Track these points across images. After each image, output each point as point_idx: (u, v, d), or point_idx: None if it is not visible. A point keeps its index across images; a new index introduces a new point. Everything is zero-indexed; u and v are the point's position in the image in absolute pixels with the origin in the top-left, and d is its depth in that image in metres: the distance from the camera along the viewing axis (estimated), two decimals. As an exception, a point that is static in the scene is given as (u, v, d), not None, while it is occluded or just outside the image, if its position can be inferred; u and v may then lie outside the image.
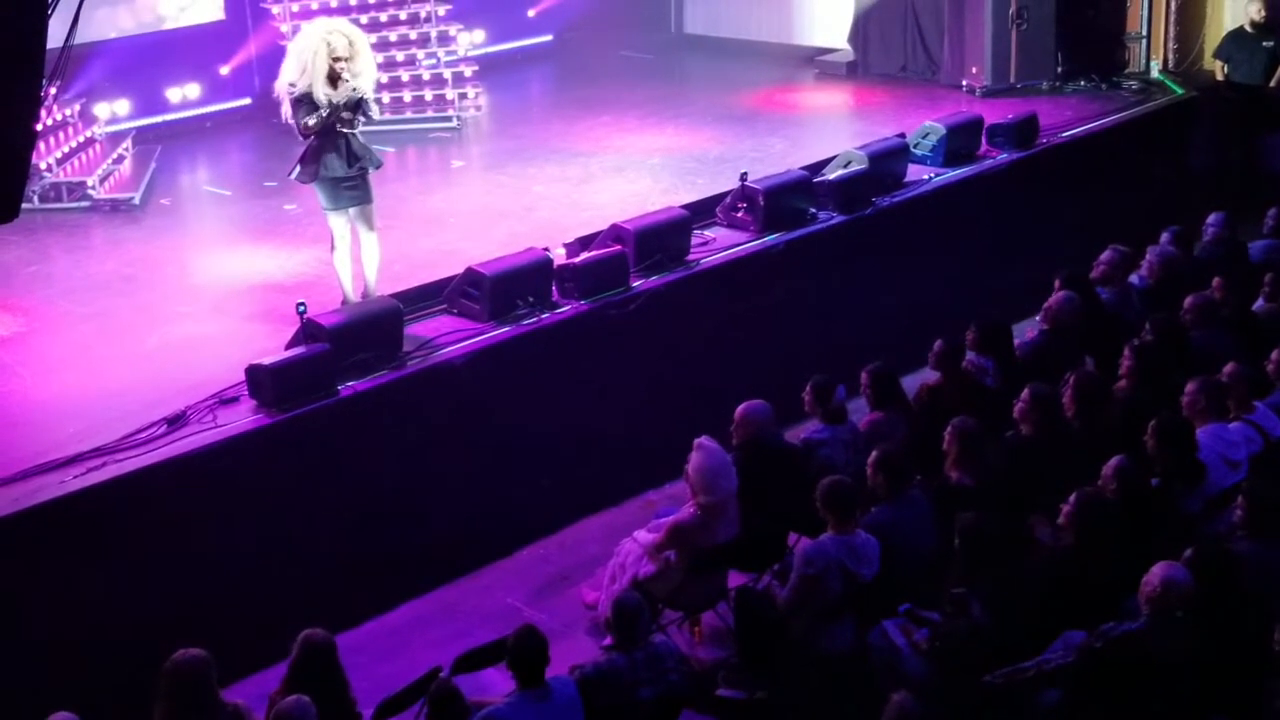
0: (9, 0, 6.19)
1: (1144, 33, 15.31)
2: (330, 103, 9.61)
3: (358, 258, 10.08)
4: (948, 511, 7.34)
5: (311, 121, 9.62)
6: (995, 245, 12.16)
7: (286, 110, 9.81)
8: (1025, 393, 8.03)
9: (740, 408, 8.26)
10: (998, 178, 12.56)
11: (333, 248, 10.01)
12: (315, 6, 15.06)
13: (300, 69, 9.68)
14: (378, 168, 10.12)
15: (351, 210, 9.93)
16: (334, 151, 9.74)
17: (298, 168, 9.90)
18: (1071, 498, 6.92)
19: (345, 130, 9.74)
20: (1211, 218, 10.90)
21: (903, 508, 7.46)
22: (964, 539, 6.87)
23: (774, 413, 8.37)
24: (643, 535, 8.11)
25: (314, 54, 9.64)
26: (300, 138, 9.82)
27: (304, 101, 9.66)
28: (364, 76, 9.84)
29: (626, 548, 8.10)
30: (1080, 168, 13.15)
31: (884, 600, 7.11)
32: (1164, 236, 10.61)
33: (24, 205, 7.68)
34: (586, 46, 17.43)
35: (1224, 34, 14.88)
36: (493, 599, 8.94)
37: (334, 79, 9.66)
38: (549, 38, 17.80)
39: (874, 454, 7.61)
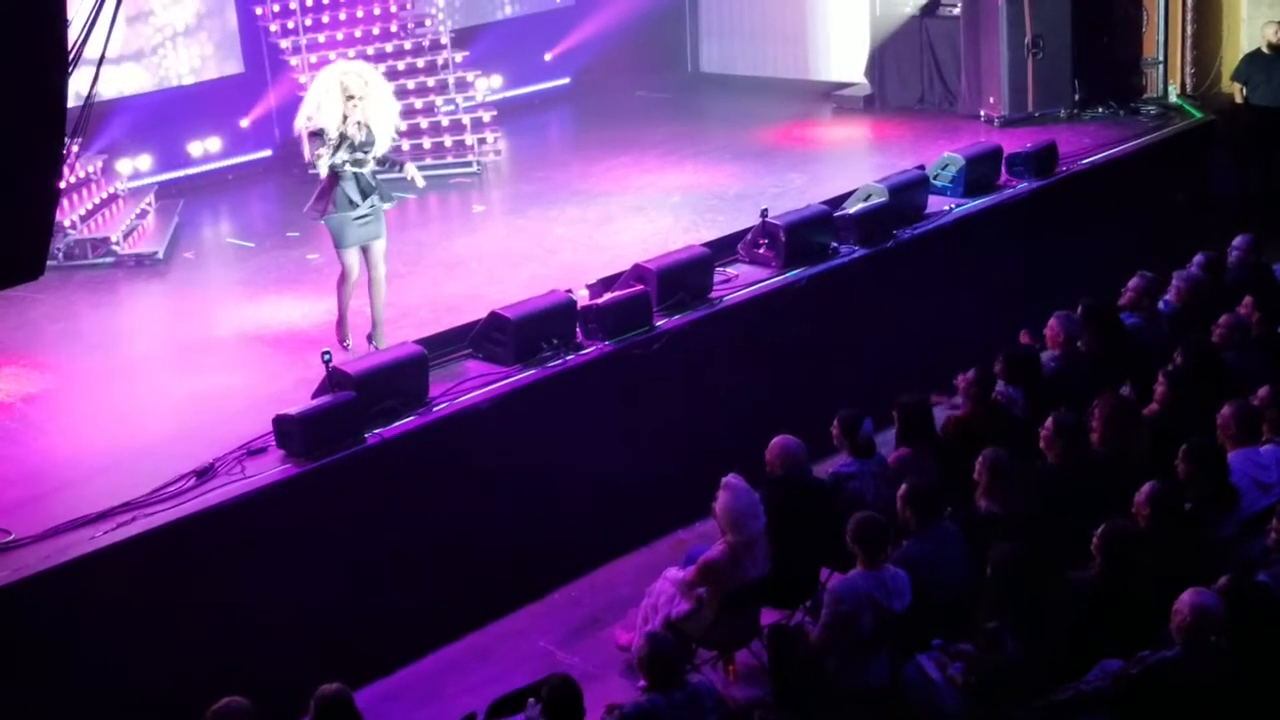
0: (30, 60, 6.24)
1: (1160, 58, 15.31)
2: (341, 134, 9.80)
3: (365, 295, 10.25)
4: (978, 542, 7.30)
5: (323, 153, 9.79)
6: (1018, 274, 12.13)
7: (307, 148, 10.01)
8: (1049, 421, 8.00)
9: (774, 442, 8.23)
10: (1018, 207, 12.54)
11: (342, 280, 10.16)
12: (333, 57, 15.13)
13: (315, 105, 9.90)
14: (390, 204, 10.27)
15: (362, 247, 10.11)
16: (346, 188, 9.90)
17: (311, 204, 10.08)
18: (1099, 530, 6.86)
19: (355, 169, 9.91)
20: (1237, 240, 10.86)
21: (934, 540, 7.41)
22: (996, 571, 6.83)
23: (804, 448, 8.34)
24: (674, 572, 8.08)
25: (327, 91, 9.87)
26: (317, 173, 9.98)
27: (318, 136, 9.86)
28: (381, 117, 10.03)
29: (658, 588, 8.07)
30: (1101, 195, 13.13)
31: (918, 633, 7.06)
32: (1196, 259, 10.56)
33: (49, 262, 7.74)
34: (603, 88, 17.50)
35: (1241, 56, 14.86)
36: (525, 643, 8.91)
37: (346, 116, 9.86)
38: (566, 81, 17.90)
39: (903, 487, 7.57)
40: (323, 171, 9.89)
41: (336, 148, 9.78)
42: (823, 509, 8.10)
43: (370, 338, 10.28)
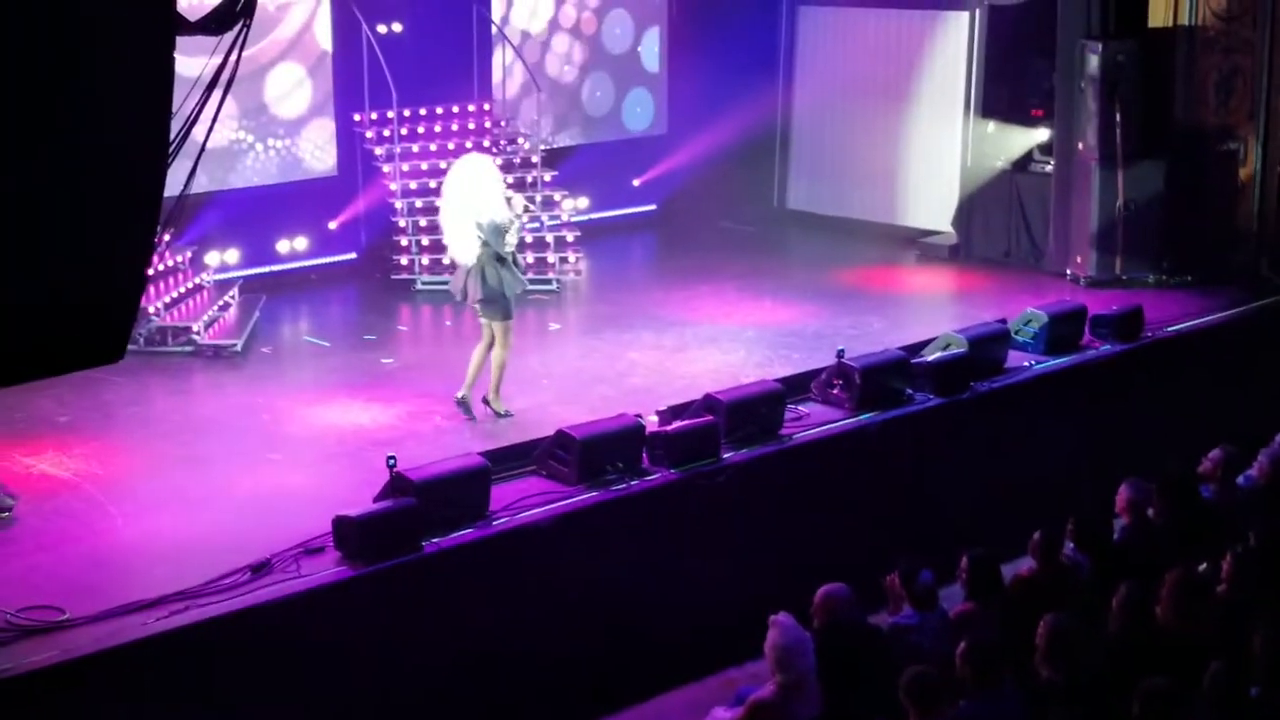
0: (132, 147, 6.34)
1: (1255, 228, 15.16)
2: (525, 207, 11.63)
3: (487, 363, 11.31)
4: (1037, 708, 7.11)
5: (510, 239, 11.13)
6: (1096, 437, 11.99)
7: (509, 238, 11.05)
8: (1119, 591, 7.82)
9: (819, 592, 8.10)
10: (1100, 369, 12.42)
11: (505, 347, 11.19)
12: (425, 167, 15.41)
13: (499, 197, 11.16)
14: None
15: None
16: (516, 267, 11.30)
17: (494, 290, 11.12)
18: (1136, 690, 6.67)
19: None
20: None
21: (992, 702, 7.23)
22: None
23: (857, 595, 8.18)
24: (721, 713, 7.93)
25: (496, 182, 11.29)
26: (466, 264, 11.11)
27: (504, 226, 11.08)
28: None
29: (706, 726, 7.92)
30: (1185, 363, 12.97)
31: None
32: (1278, 437, 10.37)
33: (130, 347, 7.81)
34: (689, 217, 17.61)
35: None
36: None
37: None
38: (653, 207, 18.04)
39: (963, 644, 7.41)
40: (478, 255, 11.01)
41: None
42: (878, 658, 7.94)
43: (489, 401, 11.22)
